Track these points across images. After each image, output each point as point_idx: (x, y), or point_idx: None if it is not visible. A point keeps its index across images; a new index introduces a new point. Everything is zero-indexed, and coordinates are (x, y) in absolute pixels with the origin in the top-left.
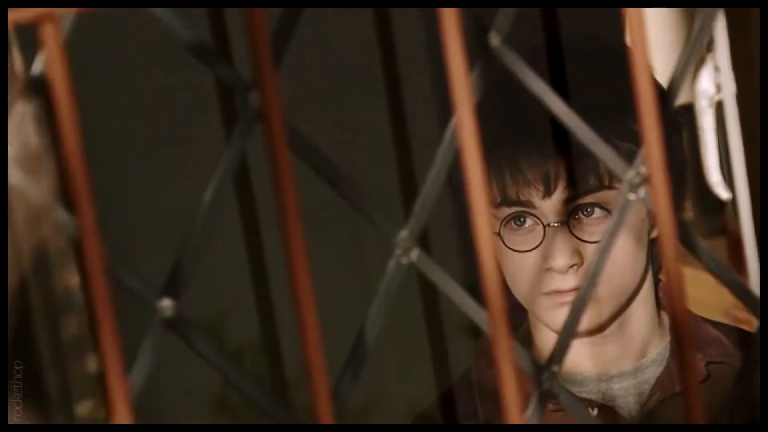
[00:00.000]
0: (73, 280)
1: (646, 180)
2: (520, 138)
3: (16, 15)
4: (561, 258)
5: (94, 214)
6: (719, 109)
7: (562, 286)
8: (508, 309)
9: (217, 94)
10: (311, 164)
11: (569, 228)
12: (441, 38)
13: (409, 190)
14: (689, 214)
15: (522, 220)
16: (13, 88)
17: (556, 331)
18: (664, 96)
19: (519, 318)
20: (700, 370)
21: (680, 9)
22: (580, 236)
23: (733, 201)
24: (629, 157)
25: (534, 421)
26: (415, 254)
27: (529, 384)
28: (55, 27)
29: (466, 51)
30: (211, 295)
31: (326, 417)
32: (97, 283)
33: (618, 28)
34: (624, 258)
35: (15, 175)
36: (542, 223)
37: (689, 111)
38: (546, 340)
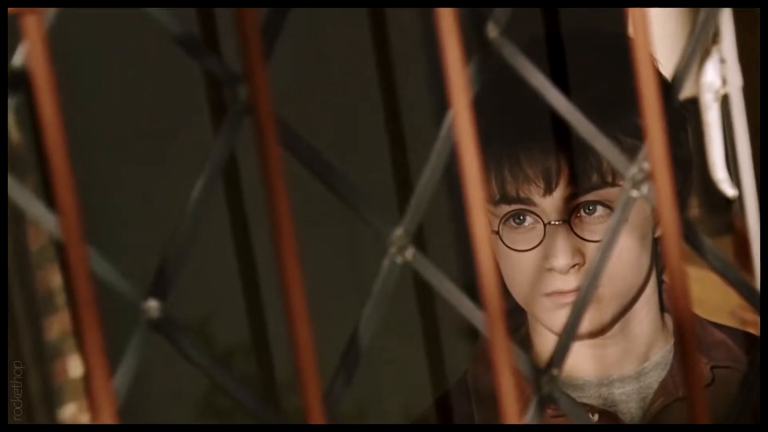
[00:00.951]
0: (56, 280)
1: (649, 176)
2: (520, 133)
3: None
4: (562, 257)
5: (77, 212)
6: (725, 102)
7: (563, 286)
8: (507, 310)
9: (205, 87)
10: (302, 160)
11: (570, 226)
12: (437, 30)
13: (404, 187)
14: (695, 211)
15: (521, 218)
16: None
17: (556, 333)
18: (668, 89)
19: (518, 320)
20: (705, 374)
21: None
22: (581, 235)
23: (740, 198)
24: (632, 153)
25: None
26: (410, 253)
27: (527, 388)
28: (37, 19)
29: (462, 43)
30: (199, 295)
31: (318, 422)
32: (81, 284)
33: (620, 19)
34: (627, 257)
35: None
36: (542, 221)
37: (694, 105)
38: (545, 342)
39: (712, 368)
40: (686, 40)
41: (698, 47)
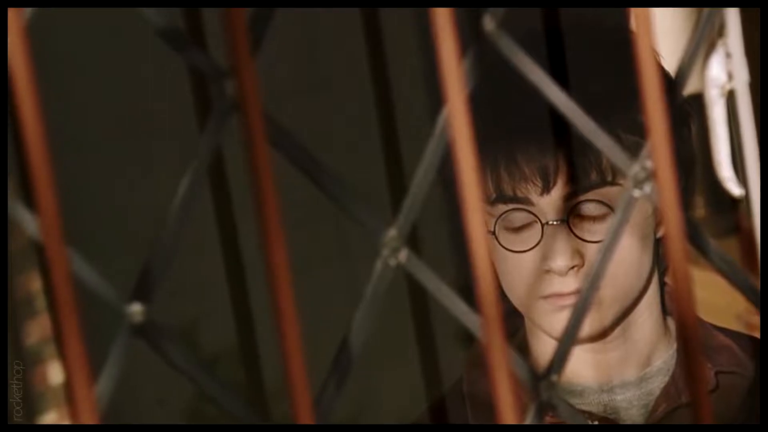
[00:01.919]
0: (35, 283)
1: (652, 175)
2: (517, 130)
3: None
4: (561, 259)
5: (57, 212)
6: (731, 98)
7: (562, 289)
8: (504, 314)
9: (190, 83)
10: (292, 158)
11: (569, 227)
12: (431, 23)
13: (398, 186)
14: (700, 212)
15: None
16: None
17: (555, 338)
18: (672, 85)
19: (515, 324)
20: (709, 380)
21: None
22: (581, 235)
23: (746, 198)
24: (634, 151)
25: None
26: (403, 255)
27: (525, 395)
28: (17, 14)
29: (458, 36)
30: (184, 299)
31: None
32: (61, 287)
33: (622, 11)
34: (628, 259)
35: None
36: (540, 221)
37: (698, 101)
38: (544, 347)
39: (716, 373)
40: (690, 33)
41: (703, 41)
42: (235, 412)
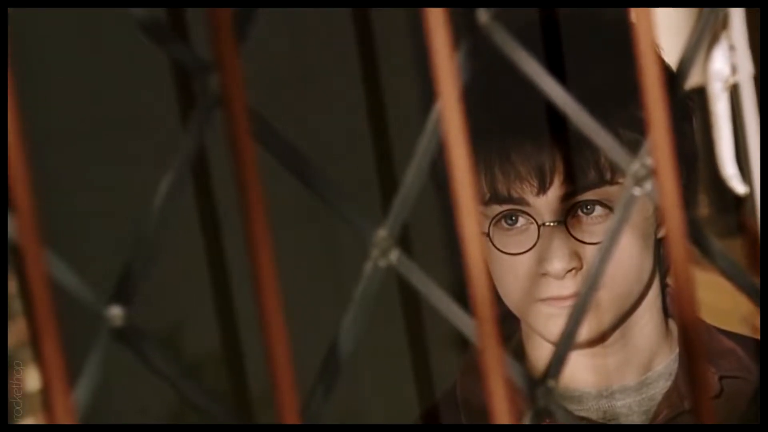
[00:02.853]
0: (11, 285)
1: (652, 173)
2: (512, 127)
3: None
4: (558, 261)
5: (34, 211)
6: (735, 92)
7: (559, 292)
8: (499, 317)
9: (172, 77)
10: (278, 155)
11: (567, 228)
12: (423, 15)
13: (388, 185)
14: (703, 211)
15: (514, 218)
16: None
17: (552, 342)
18: (673, 79)
19: (510, 327)
20: (713, 385)
21: None
22: (578, 237)
23: (751, 196)
24: (633, 148)
25: None
26: (394, 256)
27: (521, 401)
28: None
29: (451, 28)
30: (166, 302)
31: None
32: (38, 289)
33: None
34: (628, 260)
35: None
36: (536, 222)
37: (701, 95)
38: (541, 352)
39: (720, 378)
40: (693, 25)
41: (706, 33)
42: (219, 420)
